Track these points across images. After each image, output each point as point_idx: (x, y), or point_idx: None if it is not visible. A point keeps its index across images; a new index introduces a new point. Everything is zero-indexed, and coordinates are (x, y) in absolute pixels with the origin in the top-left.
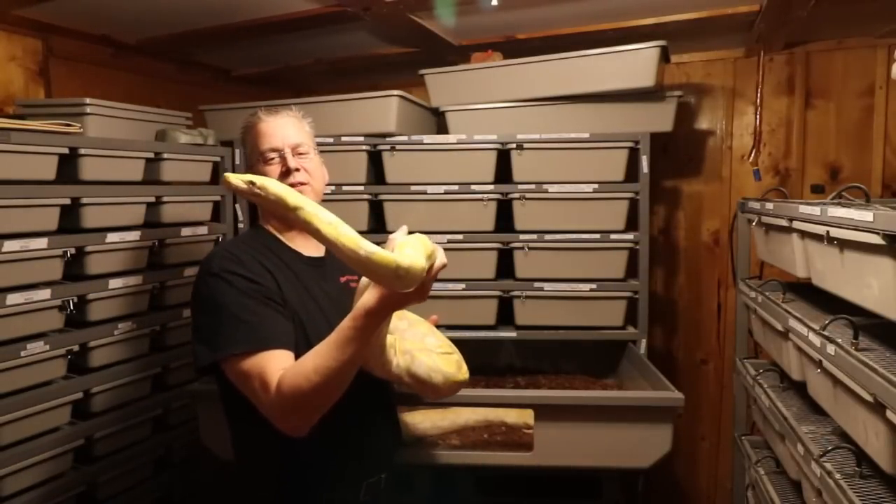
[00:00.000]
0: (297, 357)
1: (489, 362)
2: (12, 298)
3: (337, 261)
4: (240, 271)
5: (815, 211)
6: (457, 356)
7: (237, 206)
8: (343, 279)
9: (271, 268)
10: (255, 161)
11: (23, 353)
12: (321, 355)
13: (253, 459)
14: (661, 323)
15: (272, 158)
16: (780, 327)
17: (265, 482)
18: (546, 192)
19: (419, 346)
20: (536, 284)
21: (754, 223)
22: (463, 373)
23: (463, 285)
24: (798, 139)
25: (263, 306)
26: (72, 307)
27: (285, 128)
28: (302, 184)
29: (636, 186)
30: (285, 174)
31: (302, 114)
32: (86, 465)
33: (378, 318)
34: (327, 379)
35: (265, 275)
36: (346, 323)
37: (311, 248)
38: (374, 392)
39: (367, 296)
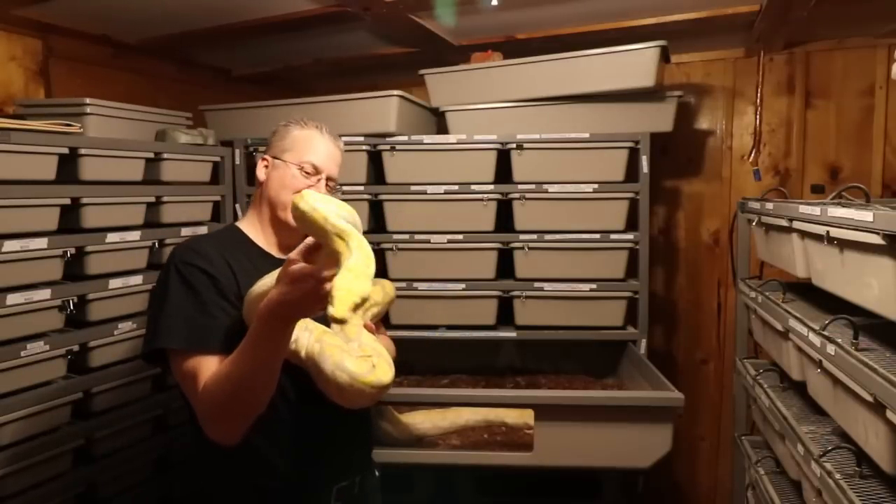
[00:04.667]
0: None
1: (489, 362)
2: (12, 298)
3: None
4: (199, 264)
5: (815, 211)
6: (375, 359)
7: (237, 205)
8: None
9: (234, 263)
10: (288, 158)
11: (23, 353)
12: (232, 361)
13: (213, 463)
14: (661, 323)
15: (309, 174)
16: (780, 327)
17: (225, 486)
18: (546, 192)
19: (336, 341)
20: (536, 284)
21: (754, 223)
22: (377, 375)
23: (463, 285)
24: (798, 139)
25: (213, 306)
26: (72, 307)
27: (335, 158)
28: None
29: (636, 186)
30: None
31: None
32: (86, 465)
33: (282, 320)
34: (239, 385)
35: (225, 270)
36: (251, 327)
37: (283, 253)
38: None
39: (268, 296)
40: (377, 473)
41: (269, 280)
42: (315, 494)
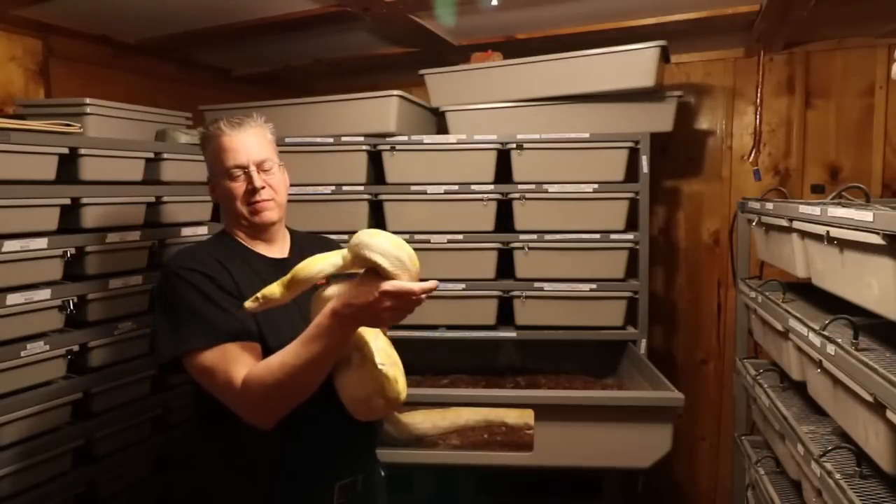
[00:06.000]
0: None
1: (489, 362)
2: (12, 298)
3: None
4: (197, 267)
5: (815, 211)
6: (390, 368)
7: None
8: None
9: (229, 265)
10: (218, 175)
11: (23, 353)
12: (288, 352)
13: (218, 458)
14: (661, 323)
15: (238, 175)
16: (780, 327)
17: (228, 482)
18: (546, 192)
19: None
20: (536, 284)
21: (754, 223)
22: (403, 394)
23: (463, 285)
24: (798, 139)
25: (221, 301)
26: (72, 307)
27: (250, 142)
28: (267, 200)
29: (636, 186)
30: (251, 192)
31: (263, 119)
32: (86, 465)
33: (343, 320)
34: (291, 376)
35: (222, 271)
36: (313, 322)
37: (274, 251)
38: None
39: (336, 299)
40: (383, 473)
41: (340, 285)
42: (318, 491)
